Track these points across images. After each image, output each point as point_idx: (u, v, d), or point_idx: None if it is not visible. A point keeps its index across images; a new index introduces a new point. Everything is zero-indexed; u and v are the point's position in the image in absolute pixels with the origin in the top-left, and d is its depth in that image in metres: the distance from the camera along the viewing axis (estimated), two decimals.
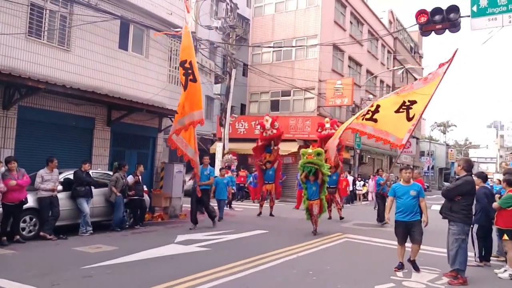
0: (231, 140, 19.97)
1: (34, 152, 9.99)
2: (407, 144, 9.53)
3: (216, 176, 13.09)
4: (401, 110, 9.02)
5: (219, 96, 20.58)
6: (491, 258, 7.73)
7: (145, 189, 11.57)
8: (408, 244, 6.77)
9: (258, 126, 14.29)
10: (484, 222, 7.53)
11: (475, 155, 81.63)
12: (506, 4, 9.46)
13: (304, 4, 24.51)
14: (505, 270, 6.79)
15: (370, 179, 20.74)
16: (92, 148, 11.73)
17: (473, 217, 6.93)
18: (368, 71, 29.80)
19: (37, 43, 10.18)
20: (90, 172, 9.75)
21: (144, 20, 12.90)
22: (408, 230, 6.59)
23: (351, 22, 27.50)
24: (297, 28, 24.38)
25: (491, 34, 10.03)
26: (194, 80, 9.88)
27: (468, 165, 6.58)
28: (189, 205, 14.37)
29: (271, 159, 14.17)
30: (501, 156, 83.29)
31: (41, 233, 8.49)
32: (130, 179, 10.71)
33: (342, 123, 25.29)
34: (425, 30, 10.47)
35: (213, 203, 12.62)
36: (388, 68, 33.28)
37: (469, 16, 9.91)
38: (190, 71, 9.92)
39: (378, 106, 9.37)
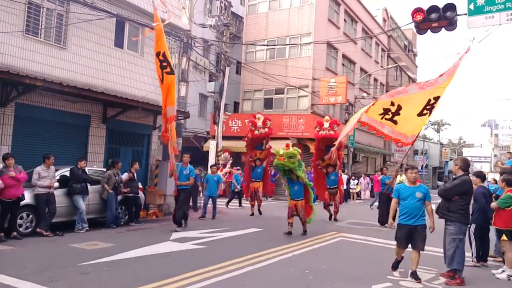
0: (225, 138, 20.02)
1: (31, 149, 10.03)
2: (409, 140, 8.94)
3: (207, 174, 13.05)
4: (424, 111, 8.22)
5: (212, 94, 20.58)
6: (488, 258, 7.68)
7: (140, 186, 11.63)
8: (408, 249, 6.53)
9: (250, 125, 13.75)
10: (482, 222, 7.44)
11: (469, 154, 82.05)
12: (504, 2, 9.36)
13: (298, 2, 24.57)
14: (503, 271, 6.76)
15: (362, 178, 20.91)
16: (88, 145, 11.77)
17: (470, 216, 6.85)
18: (362, 69, 29.96)
19: (34, 41, 10.19)
20: (86, 169, 9.81)
21: (139, 18, 12.94)
22: (411, 235, 6.19)
23: (345, 20, 27.61)
24: (291, 26, 24.45)
25: (488, 32, 10.00)
26: (171, 72, 9.62)
27: (465, 165, 6.54)
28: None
29: (261, 156, 13.91)
30: (495, 155, 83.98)
31: (38, 230, 8.54)
32: (124, 176, 10.77)
33: (341, 122, 25.47)
34: (421, 28, 10.46)
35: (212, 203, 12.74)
36: (382, 66, 33.48)
37: (466, 14, 9.83)
38: (165, 63, 9.58)
39: (399, 107, 8.37)
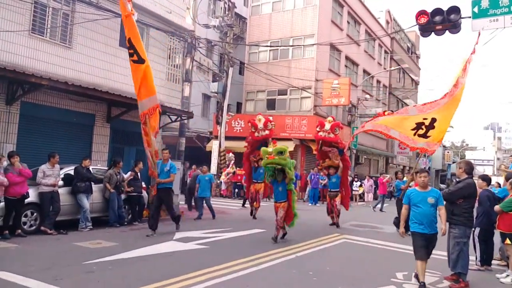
0: (227, 138, 20.09)
1: (36, 147, 10.09)
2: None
3: (196, 171, 12.52)
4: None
5: (216, 94, 20.65)
6: (492, 261, 7.64)
7: (144, 185, 11.66)
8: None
9: (251, 127, 13.01)
10: (486, 226, 7.40)
11: (472, 157, 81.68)
12: (508, 5, 9.43)
13: (301, 4, 24.62)
14: (507, 275, 6.73)
15: (366, 180, 20.88)
16: (92, 145, 11.82)
17: (475, 220, 6.81)
18: (365, 71, 29.96)
19: (39, 40, 10.25)
20: (90, 168, 9.84)
21: (144, 18, 12.97)
22: (428, 244, 5.78)
23: (348, 22, 27.63)
24: (294, 27, 24.49)
25: (492, 36, 9.99)
26: (139, 61, 8.70)
27: (470, 168, 6.52)
28: (186, 203, 14.48)
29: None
30: (498, 159, 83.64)
31: (42, 228, 8.57)
32: (126, 175, 10.81)
33: (344, 125, 25.52)
34: (425, 31, 10.50)
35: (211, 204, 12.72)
36: (385, 68, 33.46)
37: (470, 17, 9.89)
38: (131, 51, 8.77)
39: (434, 120, 7.93)
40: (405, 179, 12.77)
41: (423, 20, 10.20)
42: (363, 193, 22.08)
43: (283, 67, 24.00)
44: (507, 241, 6.81)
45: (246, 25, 26.78)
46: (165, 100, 13.62)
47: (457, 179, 6.82)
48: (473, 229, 7.01)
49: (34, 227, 8.58)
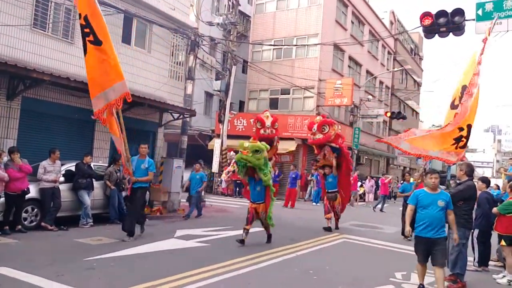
0: (230, 136, 20.02)
1: (37, 143, 10.06)
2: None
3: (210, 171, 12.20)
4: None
5: (218, 93, 20.60)
6: (489, 262, 7.73)
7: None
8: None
9: (256, 124, 12.17)
10: (485, 227, 7.50)
11: (472, 159, 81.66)
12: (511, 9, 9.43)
13: (305, 3, 24.54)
14: (504, 276, 6.82)
15: (367, 180, 20.86)
16: (93, 141, 11.80)
17: (473, 222, 6.90)
18: (368, 72, 29.88)
19: (41, 35, 10.22)
20: (92, 165, 9.83)
21: (147, 14, 12.95)
22: (431, 249, 5.51)
23: (352, 22, 27.55)
24: (298, 26, 24.41)
25: (496, 38, 9.95)
26: (96, 42, 7.36)
27: (470, 170, 6.56)
28: (187, 200, 14.40)
29: (269, 156, 13.26)
30: (497, 161, 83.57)
31: (43, 224, 8.55)
32: None
33: (338, 122, 25.31)
34: (429, 32, 10.49)
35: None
36: (388, 69, 33.38)
37: (473, 19, 9.88)
38: (87, 29, 7.39)
39: (470, 126, 7.56)
40: (412, 180, 12.37)
41: (427, 21, 10.21)
42: (363, 193, 22.04)
43: (287, 66, 23.94)
44: (502, 242, 6.95)
45: (250, 23, 26.73)
46: (167, 97, 13.60)
47: (458, 181, 6.85)
48: (472, 230, 7.08)
49: (34, 223, 8.56)
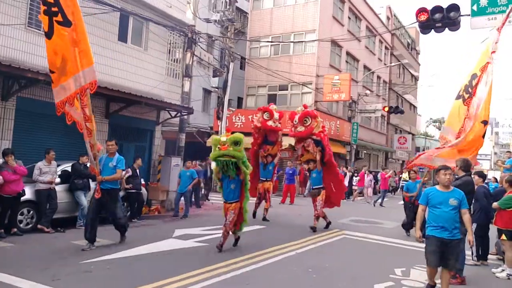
0: None
1: (32, 143, 9.96)
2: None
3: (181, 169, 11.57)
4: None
5: (216, 89, 20.51)
6: (488, 256, 7.76)
7: (142, 182, 11.57)
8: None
9: (263, 114, 11.48)
10: (483, 222, 7.57)
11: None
12: (506, 4, 9.54)
13: None
14: (503, 270, 6.85)
15: (366, 175, 20.80)
16: None
17: (472, 216, 6.94)
18: (365, 67, 29.85)
19: (36, 34, 10.09)
20: (88, 165, 9.72)
21: (143, 12, 12.83)
22: (443, 250, 5.08)
23: (349, 18, 27.45)
24: (296, 22, 24.31)
25: (490, 33, 9.96)
26: (67, 23, 6.58)
27: (466, 165, 6.51)
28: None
29: (273, 152, 11.97)
30: (495, 153, 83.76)
31: (39, 226, 8.47)
32: (129, 171, 10.72)
33: (336, 118, 25.25)
34: (425, 28, 10.54)
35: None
36: (385, 64, 33.33)
37: (469, 15, 10.00)
38: (55, 8, 6.62)
39: (485, 122, 7.41)
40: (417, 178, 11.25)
41: (423, 17, 10.36)
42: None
43: (284, 62, 23.84)
44: (503, 236, 6.95)
45: (247, 20, 26.59)
46: (164, 95, 13.51)
47: (455, 177, 6.80)
48: None
49: (30, 226, 8.47)
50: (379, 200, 18.39)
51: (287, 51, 24.70)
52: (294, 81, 23.27)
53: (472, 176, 6.99)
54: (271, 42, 24.68)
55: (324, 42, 22.93)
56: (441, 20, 10.24)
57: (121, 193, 10.31)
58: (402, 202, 11.62)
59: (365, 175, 20.78)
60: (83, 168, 9.38)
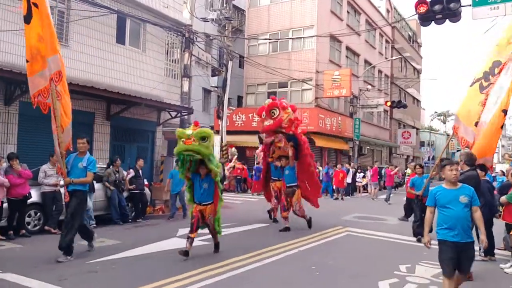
0: (229, 132, 19.95)
1: (36, 147, 10.06)
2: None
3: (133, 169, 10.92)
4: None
5: (216, 89, 20.54)
6: (495, 251, 7.60)
7: (146, 182, 11.65)
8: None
9: (274, 111, 10.09)
10: (488, 216, 7.22)
11: None
12: None
13: None
14: (511, 265, 6.73)
15: (368, 171, 20.80)
16: (93, 143, 11.78)
17: None
18: (366, 61, 29.78)
19: None
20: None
21: (140, 14, 12.88)
22: (460, 257, 4.56)
23: (348, 12, 27.40)
24: (294, 18, 24.30)
25: (494, 23, 9.83)
26: (35, 4, 6.21)
27: (470, 159, 6.38)
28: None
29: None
30: (502, 146, 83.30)
31: (46, 227, 8.61)
32: (131, 173, 10.80)
33: (338, 114, 25.15)
34: (425, 20, 10.39)
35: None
36: (386, 58, 33.22)
37: (470, 5, 9.76)
38: None
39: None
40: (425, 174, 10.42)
41: (422, 9, 10.12)
42: (366, 184, 22.02)
43: (283, 59, 23.86)
44: None
45: (244, 17, 26.59)
46: (164, 96, 13.57)
47: (460, 171, 6.71)
48: None
49: (38, 227, 8.62)
50: (389, 195, 18.16)
51: (286, 47, 24.70)
52: (293, 78, 23.29)
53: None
54: (269, 39, 24.69)
55: (323, 38, 22.93)
56: (441, 11, 9.97)
57: (125, 194, 10.46)
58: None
59: (368, 170, 20.78)
60: None
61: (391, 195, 18.30)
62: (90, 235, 7.10)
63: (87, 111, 11.56)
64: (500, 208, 7.56)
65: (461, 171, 6.54)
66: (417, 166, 10.09)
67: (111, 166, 10.37)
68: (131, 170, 10.90)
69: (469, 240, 4.61)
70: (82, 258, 6.56)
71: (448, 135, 57.98)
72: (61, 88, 6.49)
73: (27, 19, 6.30)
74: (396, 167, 21.84)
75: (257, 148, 20.80)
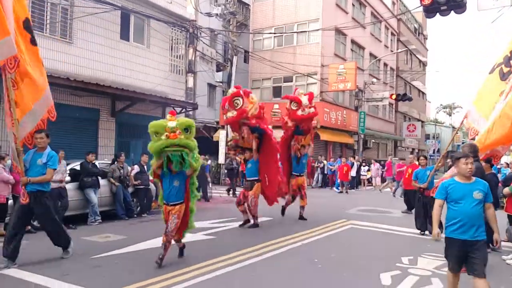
0: None
1: None
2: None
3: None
4: None
5: (221, 84, 20.58)
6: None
7: (151, 178, 11.72)
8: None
9: (290, 105, 10.10)
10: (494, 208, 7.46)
11: None
12: None
13: None
14: None
15: (373, 164, 20.76)
16: (98, 139, 11.90)
17: None
18: (371, 54, 29.58)
19: (39, 36, 10.22)
20: (97, 163, 9.91)
21: (144, 10, 12.92)
22: (467, 253, 4.32)
23: (353, 5, 27.19)
24: (298, 12, 24.18)
25: (500, 14, 9.72)
26: None
27: (474, 151, 6.19)
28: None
29: (306, 143, 10.57)
30: None
31: None
32: (135, 169, 10.90)
33: (343, 107, 25.15)
34: (429, 12, 10.31)
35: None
36: (392, 51, 32.97)
37: None
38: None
39: None
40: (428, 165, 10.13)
41: (427, 0, 10.02)
42: (371, 178, 22.00)
43: (288, 53, 23.79)
44: None
45: (249, 12, 26.51)
46: (169, 92, 13.63)
47: None
48: None
49: None
50: (399, 190, 17.95)
51: (291, 42, 24.61)
52: (298, 72, 23.22)
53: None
54: (274, 33, 24.61)
55: (328, 31, 22.81)
56: (446, 2, 9.85)
57: (130, 189, 10.54)
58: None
59: (373, 164, 20.75)
60: (91, 166, 9.56)
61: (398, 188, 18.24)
62: (64, 241, 6.34)
63: (92, 107, 11.66)
64: (504, 200, 7.54)
65: None
66: (421, 157, 9.60)
67: (115, 162, 10.46)
68: (135, 166, 10.99)
69: (481, 237, 4.32)
70: (86, 253, 6.65)
71: (453, 127, 57.62)
72: (17, 76, 5.76)
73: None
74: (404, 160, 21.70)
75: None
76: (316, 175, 21.51)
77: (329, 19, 23.45)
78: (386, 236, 8.87)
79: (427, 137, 47.43)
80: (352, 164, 20.50)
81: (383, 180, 21.51)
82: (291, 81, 24.37)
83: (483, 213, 4.41)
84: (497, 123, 6.25)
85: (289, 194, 10.53)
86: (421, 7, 10.39)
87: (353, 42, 27.18)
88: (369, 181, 22.18)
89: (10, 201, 8.05)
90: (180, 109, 13.90)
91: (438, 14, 10.31)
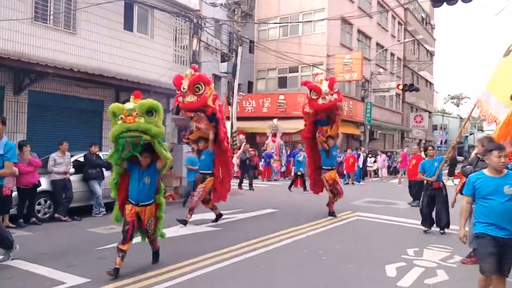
0: (239, 118, 19.95)
1: (46, 135, 10.18)
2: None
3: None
4: None
5: (225, 75, 20.45)
6: None
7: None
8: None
9: (310, 94, 9.46)
10: None
11: (490, 128, 79.91)
12: None
13: None
14: None
15: (379, 155, 20.63)
16: (102, 130, 11.88)
17: None
18: (378, 44, 29.25)
19: (43, 27, 10.21)
20: (101, 154, 9.88)
21: (148, 0, 12.79)
22: (502, 254, 3.91)
23: None
24: (304, 1, 23.93)
25: (508, 3, 9.54)
26: None
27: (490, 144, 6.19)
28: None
29: (333, 133, 9.79)
30: None
31: (56, 215, 8.71)
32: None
33: (349, 98, 24.93)
34: (436, 1, 10.21)
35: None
36: (399, 41, 32.59)
37: None
38: None
39: None
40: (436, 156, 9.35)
41: None
42: (377, 169, 21.87)
43: (294, 43, 23.58)
44: None
45: (254, 1, 26.26)
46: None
47: (479, 157, 6.46)
48: None
49: (48, 215, 8.71)
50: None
51: (296, 32, 24.39)
52: (304, 63, 23.03)
53: None
54: (279, 23, 24.39)
55: (334, 21, 22.57)
56: None
57: None
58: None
59: (379, 155, 20.60)
60: (95, 158, 9.53)
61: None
62: (7, 242, 5.57)
63: (96, 98, 11.63)
64: None
65: (479, 156, 6.29)
66: (430, 148, 8.66)
67: None
68: None
69: None
70: (91, 244, 6.66)
71: (461, 118, 57.06)
72: None
73: None
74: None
75: (266, 135, 20.81)
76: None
77: (335, 9, 23.18)
78: (392, 228, 8.82)
79: (435, 128, 47.08)
80: (358, 156, 20.39)
81: (390, 171, 21.36)
82: (297, 72, 24.21)
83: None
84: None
85: (327, 191, 9.86)
86: None
87: (359, 31, 26.89)
88: (375, 172, 22.06)
89: (15, 193, 8.05)
90: None
91: (445, 3, 10.20)
